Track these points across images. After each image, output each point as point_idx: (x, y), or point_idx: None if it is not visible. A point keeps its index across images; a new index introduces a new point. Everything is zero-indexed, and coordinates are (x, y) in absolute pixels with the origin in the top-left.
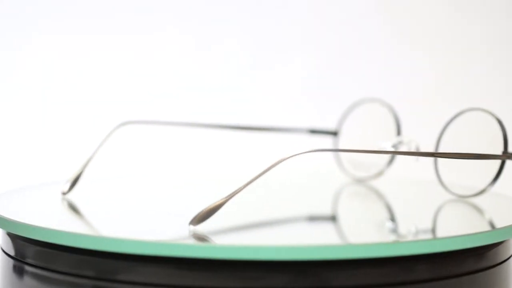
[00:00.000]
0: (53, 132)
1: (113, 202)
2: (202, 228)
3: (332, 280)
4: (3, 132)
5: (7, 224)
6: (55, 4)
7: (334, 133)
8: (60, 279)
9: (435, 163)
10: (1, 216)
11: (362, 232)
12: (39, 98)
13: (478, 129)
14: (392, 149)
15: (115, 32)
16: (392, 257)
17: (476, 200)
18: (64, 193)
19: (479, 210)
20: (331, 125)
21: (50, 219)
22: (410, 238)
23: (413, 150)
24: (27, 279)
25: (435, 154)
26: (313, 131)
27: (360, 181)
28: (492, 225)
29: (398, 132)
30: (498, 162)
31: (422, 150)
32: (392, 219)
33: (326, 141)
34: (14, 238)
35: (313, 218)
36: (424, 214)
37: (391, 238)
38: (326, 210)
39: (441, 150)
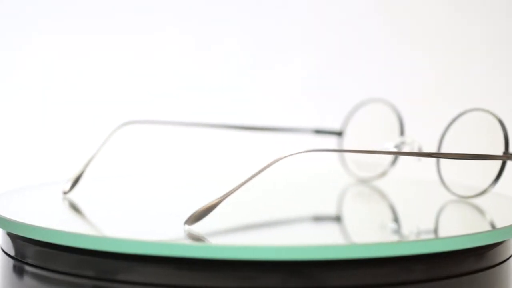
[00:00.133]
0: (55, 132)
1: (113, 202)
2: (204, 228)
3: (332, 280)
4: (4, 132)
5: (7, 224)
6: (55, 4)
7: (339, 133)
8: (60, 279)
9: (437, 164)
10: (1, 216)
11: (363, 232)
12: (40, 98)
13: (480, 129)
14: (395, 150)
15: (115, 32)
16: (392, 257)
17: (477, 200)
18: (65, 193)
19: (479, 210)
20: (331, 125)
21: (50, 219)
22: (410, 238)
23: (415, 150)
24: (27, 279)
25: (432, 155)
26: (318, 131)
27: (363, 181)
28: (492, 225)
29: (402, 133)
30: (499, 162)
31: (425, 150)
32: (393, 219)
33: (331, 141)
34: (14, 238)
35: (314, 219)
36: (424, 214)
37: (392, 238)
38: (328, 210)
39: (444, 150)
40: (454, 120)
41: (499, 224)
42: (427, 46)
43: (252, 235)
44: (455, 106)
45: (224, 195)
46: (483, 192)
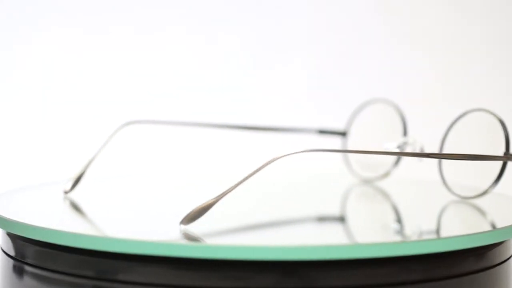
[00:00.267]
0: (56, 132)
1: (113, 202)
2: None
3: (332, 280)
4: (5, 132)
5: (7, 224)
6: (57, 3)
7: (343, 133)
8: (60, 279)
9: (439, 164)
10: (1, 216)
11: (363, 233)
12: (41, 98)
13: (482, 130)
14: (397, 150)
15: (116, 32)
16: (392, 257)
17: (477, 200)
18: (66, 192)
19: (480, 210)
20: (332, 125)
21: (50, 219)
22: (410, 238)
23: (417, 151)
24: (27, 279)
25: (430, 155)
26: (322, 131)
27: (367, 181)
28: (492, 225)
29: (405, 133)
30: (500, 163)
31: (427, 150)
32: (394, 219)
33: (335, 141)
34: (14, 238)
35: (315, 219)
36: (425, 214)
37: (392, 238)
38: (329, 210)
39: (446, 150)
40: (456, 120)
41: (499, 224)
42: (428, 46)
43: (252, 236)
44: (456, 106)
45: (220, 195)
46: (484, 192)
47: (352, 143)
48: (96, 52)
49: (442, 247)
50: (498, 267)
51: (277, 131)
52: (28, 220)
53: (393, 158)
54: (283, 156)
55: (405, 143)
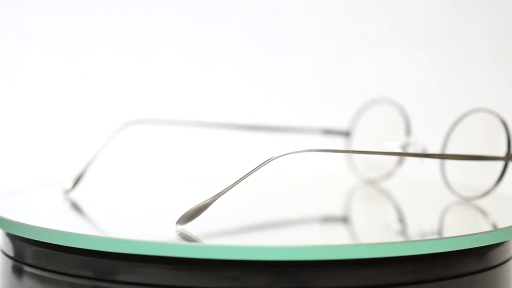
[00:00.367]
0: (57, 132)
1: (113, 202)
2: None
3: (333, 280)
4: (5, 132)
5: (6, 224)
6: (58, 2)
7: (346, 133)
8: (59, 279)
9: (442, 164)
10: (0, 217)
11: (364, 233)
12: (42, 98)
13: (484, 130)
14: (399, 150)
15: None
16: (392, 257)
17: (478, 201)
18: (66, 191)
19: (481, 210)
20: (334, 125)
21: (50, 219)
22: (411, 238)
23: (419, 151)
24: (26, 280)
25: (429, 155)
26: (326, 131)
27: (370, 181)
28: (493, 225)
29: (408, 133)
30: (502, 163)
31: (430, 150)
32: (395, 220)
33: (339, 142)
34: (13, 238)
35: (314, 219)
36: (425, 215)
37: (392, 239)
38: (328, 211)
39: (449, 150)
40: (459, 120)
41: (500, 225)
42: (430, 46)
43: (250, 236)
44: (457, 106)
45: (216, 195)
46: (486, 193)
47: (355, 143)
48: (99, 51)
49: (442, 248)
50: (499, 267)
51: (281, 131)
52: (27, 221)
53: (396, 158)
54: (280, 156)
55: (407, 143)
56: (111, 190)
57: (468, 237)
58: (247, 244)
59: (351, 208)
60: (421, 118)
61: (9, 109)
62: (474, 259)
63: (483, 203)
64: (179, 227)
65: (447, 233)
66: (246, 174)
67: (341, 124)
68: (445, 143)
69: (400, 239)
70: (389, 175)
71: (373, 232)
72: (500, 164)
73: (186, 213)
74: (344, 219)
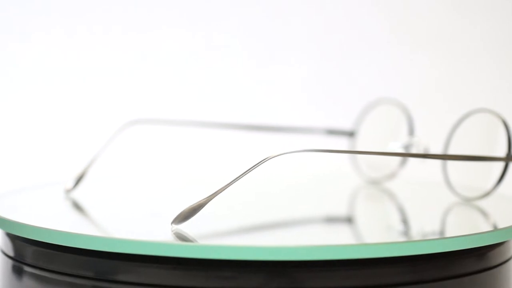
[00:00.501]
0: (58, 132)
1: (114, 201)
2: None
3: (334, 280)
4: (6, 132)
5: (6, 224)
6: (59, 1)
7: (351, 134)
8: (59, 279)
9: (443, 164)
10: (0, 217)
11: (364, 233)
12: (42, 98)
13: (486, 130)
14: (402, 150)
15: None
16: (393, 257)
17: (479, 201)
18: (67, 191)
19: (481, 210)
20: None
21: (50, 219)
22: (410, 239)
23: (421, 151)
24: (26, 280)
25: (428, 156)
26: (331, 132)
27: (373, 182)
28: (493, 225)
29: (411, 133)
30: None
31: (432, 151)
32: (395, 220)
33: (343, 142)
34: (13, 238)
35: (315, 219)
36: (425, 215)
37: (393, 239)
38: (328, 211)
39: (451, 151)
40: (461, 120)
41: (500, 225)
42: (430, 46)
43: (250, 236)
44: (457, 106)
45: (211, 195)
46: (487, 194)
47: (360, 143)
48: (97, 51)
49: (442, 248)
50: (499, 267)
51: (284, 131)
52: (27, 221)
53: (399, 158)
54: (275, 156)
55: (410, 144)
56: (111, 190)
57: (468, 237)
58: (243, 244)
59: (351, 208)
60: (421, 118)
61: (9, 109)
62: (475, 259)
63: (483, 203)
64: (174, 226)
65: (447, 234)
66: (241, 174)
67: (341, 124)
68: (447, 144)
69: (400, 239)
70: (392, 175)
71: (373, 232)
72: (501, 164)
73: (181, 213)
74: (344, 219)
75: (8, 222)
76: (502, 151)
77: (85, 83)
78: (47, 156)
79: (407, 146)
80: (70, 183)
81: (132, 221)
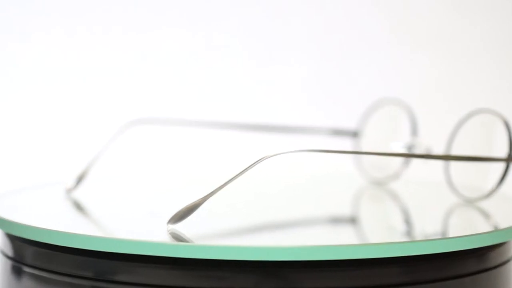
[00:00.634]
0: (58, 133)
1: (114, 201)
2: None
3: (335, 280)
4: (6, 132)
5: (6, 224)
6: (59, 1)
7: (355, 134)
8: (58, 280)
9: (446, 165)
10: (0, 217)
11: (365, 233)
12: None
13: (488, 131)
14: (403, 151)
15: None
16: (393, 258)
17: (480, 201)
18: (69, 190)
19: (481, 211)
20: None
21: (49, 219)
22: (410, 239)
23: (422, 152)
24: (26, 280)
25: (426, 156)
26: (335, 132)
27: (377, 182)
28: (494, 226)
29: (414, 134)
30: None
31: (435, 151)
32: (395, 220)
33: (348, 142)
34: (13, 239)
35: (315, 220)
36: (426, 215)
37: (393, 239)
38: (331, 211)
39: (454, 151)
40: (464, 120)
41: (501, 225)
42: (430, 46)
43: (247, 236)
44: (457, 107)
45: (207, 195)
46: (487, 195)
47: (364, 143)
48: (97, 51)
49: (443, 248)
50: (499, 268)
51: (288, 132)
52: (27, 221)
53: (402, 158)
54: (272, 156)
55: (413, 144)
56: (112, 190)
57: (469, 237)
58: (236, 244)
59: (352, 208)
60: (421, 118)
61: (10, 109)
62: (475, 260)
63: (484, 203)
64: (170, 226)
65: (447, 234)
66: (237, 175)
67: (341, 123)
68: (449, 144)
69: (400, 239)
70: (396, 175)
71: (373, 233)
72: (502, 165)
73: (177, 213)
74: (345, 220)
75: (8, 223)
76: (503, 152)
77: (84, 83)
78: (47, 156)
79: (409, 147)
80: (72, 182)
81: (132, 221)
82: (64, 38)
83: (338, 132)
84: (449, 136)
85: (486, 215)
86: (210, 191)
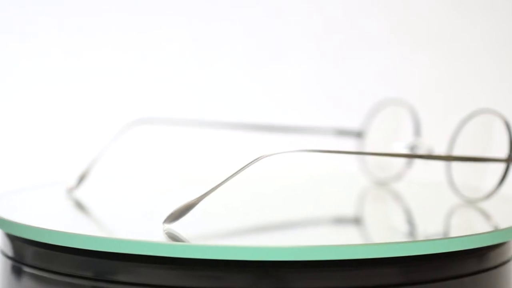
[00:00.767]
0: (58, 133)
1: (114, 201)
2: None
3: (334, 281)
4: (6, 132)
5: (6, 224)
6: (59, 1)
7: (359, 134)
8: (58, 280)
9: (447, 165)
10: (0, 217)
11: (365, 233)
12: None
13: (491, 131)
14: (406, 151)
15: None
16: (393, 258)
17: (480, 202)
18: (70, 190)
19: (481, 211)
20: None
21: (49, 219)
22: (410, 239)
23: (425, 152)
24: (26, 281)
25: (423, 156)
26: (339, 132)
27: (380, 183)
28: (494, 226)
29: (418, 134)
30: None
31: (437, 151)
32: (395, 221)
33: (352, 142)
34: (13, 239)
35: (314, 220)
36: (426, 216)
37: (393, 239)
38: (327, 211)
39: (456, 151)
40: (466, 121)
41: (501, 225)
42: (430, 46)
43: (249, 236)
44: (457, 107)
45: (203, 194)
46: (488, 195)
47: (368, 143)
48: (97, 51)
49: (443, 248)
50: (499, 268)
51: (293, 132)
52: (27, 221)
53: (405, 159)
54: (269, 156)
55: (415, 145)
56: (112, 190)
57: (469, 237)
58: (231, 244)
59: (354, 208)
60: (421, 118)
61: (10, 109)
62: (476, 260)
63: (483, 203)
64: (167, 226)
65: (448, 234)
66: (232, 174)
67: (341, 123)
68: (451, 144)
69: (400, 239)
70: (399, 176)
71: (373, 233)
72: (502, 165)
73: (173, 212)
74: (347, 220)
75: (8, 222)
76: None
77: (86, 83)
78: (48, 156)
79: (412, 147)
80: (73, 182)
81: (132, 221)
82: (64, 38)
83: (342, 133)
84: (450, 137)
85: (486, 215)
86: (207, 190)
